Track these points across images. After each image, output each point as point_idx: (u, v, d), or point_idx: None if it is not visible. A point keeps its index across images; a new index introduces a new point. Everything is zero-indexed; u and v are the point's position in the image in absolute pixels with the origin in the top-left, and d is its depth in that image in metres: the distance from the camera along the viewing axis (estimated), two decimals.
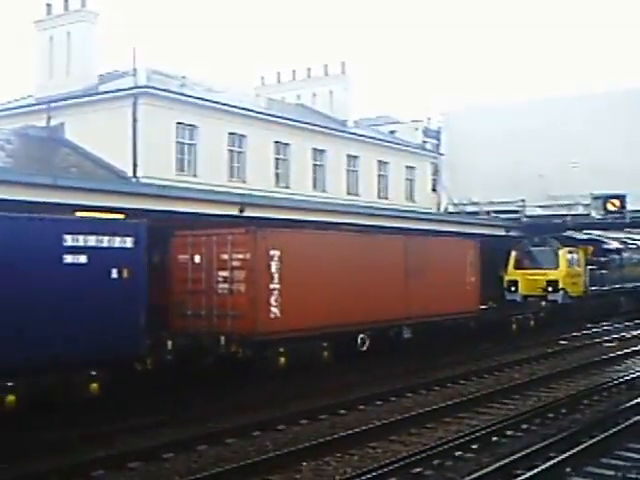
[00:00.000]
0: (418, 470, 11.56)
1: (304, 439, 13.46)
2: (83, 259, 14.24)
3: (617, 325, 34.86)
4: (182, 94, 29.87)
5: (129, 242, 15.04)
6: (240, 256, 17.93)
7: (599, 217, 34.67)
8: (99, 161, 28.02)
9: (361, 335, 20.77)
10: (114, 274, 14.78)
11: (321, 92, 41.92)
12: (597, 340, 29.22)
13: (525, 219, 37.36)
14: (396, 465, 11.54)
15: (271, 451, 12.69)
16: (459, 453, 12.53)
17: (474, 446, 12.97)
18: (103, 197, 19.43)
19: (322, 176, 35.97)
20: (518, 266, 32.89)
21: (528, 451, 12.01)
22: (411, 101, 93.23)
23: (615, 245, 39.50)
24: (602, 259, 36.68)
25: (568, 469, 11.29)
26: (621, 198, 33.88)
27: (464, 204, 38.53)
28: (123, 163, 27.72)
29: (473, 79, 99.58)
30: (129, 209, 18.54)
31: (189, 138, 29.80)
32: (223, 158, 31.02)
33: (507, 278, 32.49)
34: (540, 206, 36.97)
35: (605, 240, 39.72)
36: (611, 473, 10.98)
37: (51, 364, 13.47)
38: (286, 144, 33.85)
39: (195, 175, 29.39)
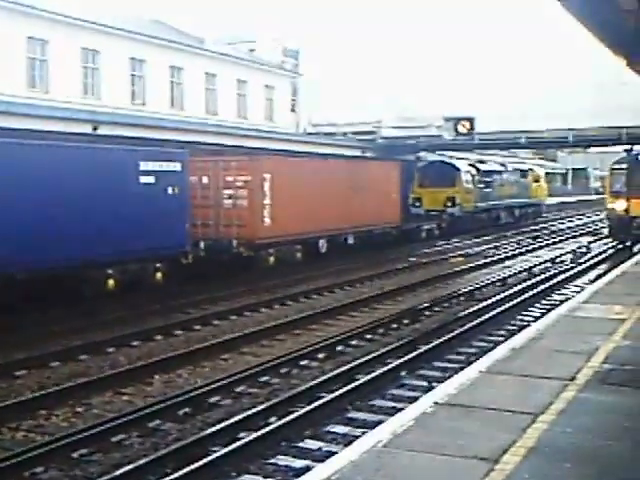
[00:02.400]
0: (266, 379, 12.21)
1: (157, 354, 13.88)
2: (152, 179, 18.52)
3: (465, 242, 36.64)
4: (33, 7, 28.66)
5: (178, 166, 19.39)
6: (243, 178, 22.56)
7: (450, 138, 36.09)
8: None
9: (321, 241, 25.95)
10: (169, 191, 19.05)
11: (178, 8, 41.07)
12: (445, 257, 30.66)
13: (381, 140, 38.47)
14: (245, 374, 12.16)
15: (124, 365, 13.06)
16: (305, 362, 13.27)
17: (320, 355, 13.75)
18: None
19: (180, 94, 35.57)
20: (421, 185, 37.94)
21: (368, 358, 12.88)
22: (270, 20, 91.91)
23: (496, 167, 44.48)
24: (487, 179, 41.55)
25: (403, 372, 12.23)
26: (471, 120, 35.29)
27: (322, 125, 39.16)
28: None
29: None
30: None
31: (40, 53, 28.78)
32: (76, 74, 30.16)
33: (412, 195, 37.30)
34: (395, 127, 38.11)
35: (487, 162, 45.13)
36: (439, 374, 11.96)
37: (133, 258, 18.08)
38: (142, 60, 33.18)
39: (47, 92, 28.52)
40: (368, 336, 15.38)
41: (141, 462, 8.36)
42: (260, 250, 22.96)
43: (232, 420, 9.76)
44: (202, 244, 21.61)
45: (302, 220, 24.16)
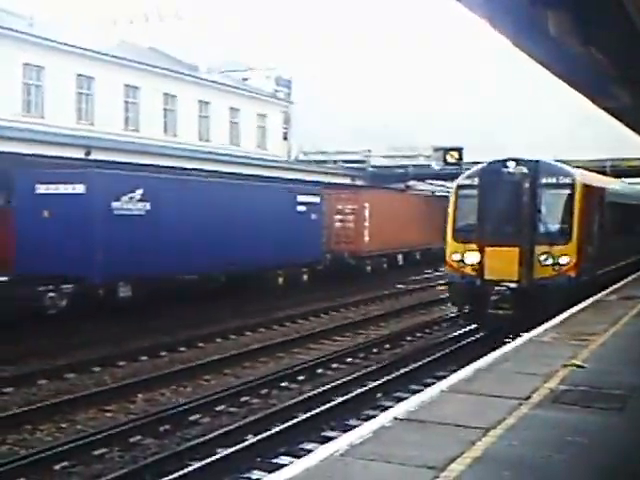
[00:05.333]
0: (245, 399, 12.60)
1: (142, 373, 14.28)
2: (303, 209, 25.52)
3: None
4: (29, 34, 29.21)
5: (318, 199, 26.56)
6: (350, 206, 29.97)
7: (439, 168, 36.75)
8: None
9: (399, 256, 32.88)
10: (313, 217, 26.05)
11: (173, 36, 41.61)
12: (431, 284, 31.10)
13: (370, 169, 39.10)
14: (226, 393, 12.55)
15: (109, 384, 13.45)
16: (285, 384, 13.68)
17: (300, 377, 14.16)
18: None
19: (173, 121, 36.09)
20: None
21: (345, 380, 13.29)
22: (264, 49, 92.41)
23: None
24: None
25: (379, 394, 12.63)
26: (459, 150, 35.95)
27: (313, 153, 39.79)
28: None
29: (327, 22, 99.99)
30: None
31: (36, 79, 29.31)
32: (71, 100, 30.68)
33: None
34: (384, 156, 38.75)
35: None
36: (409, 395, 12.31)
37: (292, 264, 24.81)
38: (136, 87, 33.72)
39: (42, 117, 29.03)
40: (348, 359, 15.81)
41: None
42: (361, 261, 30.18)
43: None
44: (328, 255, 28.03)
45: (388, 239, 30.92)
